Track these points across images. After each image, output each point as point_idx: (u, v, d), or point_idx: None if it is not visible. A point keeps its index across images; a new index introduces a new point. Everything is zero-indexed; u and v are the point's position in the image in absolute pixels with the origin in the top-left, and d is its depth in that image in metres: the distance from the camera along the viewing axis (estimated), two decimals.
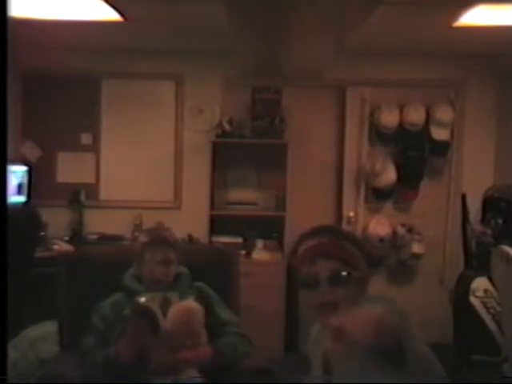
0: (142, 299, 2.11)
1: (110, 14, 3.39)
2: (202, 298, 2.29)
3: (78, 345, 2.20)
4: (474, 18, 3.30)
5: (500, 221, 3.43)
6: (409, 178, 4.52)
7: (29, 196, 4.28)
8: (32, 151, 4.57)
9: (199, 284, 2.41)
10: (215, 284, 2.44)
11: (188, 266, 2.45)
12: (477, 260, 3.64)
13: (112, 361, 2.04)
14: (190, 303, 2.15)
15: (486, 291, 3.30)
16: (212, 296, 2.37)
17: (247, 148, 4.51)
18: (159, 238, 2.35)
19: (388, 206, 4.65)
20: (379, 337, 1.12)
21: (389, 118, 4.44)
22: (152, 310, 2.02)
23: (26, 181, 4.29)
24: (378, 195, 4.60)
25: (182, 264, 2.42)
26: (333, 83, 4.64)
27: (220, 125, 4.46)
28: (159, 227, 2.51)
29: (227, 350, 2.18)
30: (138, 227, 4.39)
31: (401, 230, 4.46)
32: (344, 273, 1.45)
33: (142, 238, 2.39)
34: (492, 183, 4.17)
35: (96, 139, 4.65)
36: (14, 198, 4.09)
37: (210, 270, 2.56)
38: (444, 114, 4.46)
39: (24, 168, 4.31)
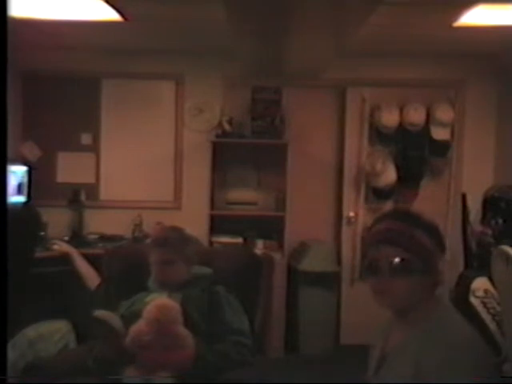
0: (101, 311, 2.04)
1: (110, 14, 3.39)
2: (212, 302, 2.24)
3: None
4: (474, 18, 3.30)
5: (500, 221, 3.43)
6: (409, 178, 4.51)
7: (29, 196, 4.28)
8: (32, 151, 4.56)
9: (217, 287, 2.32)
10: (244, 288, 2.38)
11: (217, 268, 2.41)
12: (477, 260, 3.63)
13: (97, 356, 2.07)
14: (164, 300, 2.07)
15: (486, 291, 3.29)
16: (224, 302, 2.27)
17: (247, 148, 4.51)
18: (156, 239, 2.34)
19: (388, 206, 4.63)
20: None
21: (389, 118, 4.44)
22: (109, 322, 1.97)
23: (25, 181, 4.28)
24: (378, 195, 4.59)
25: (205, 265, 2.40)
26: (333, 83, 4.63)
27: (220, 125, 4.46)
28: (163, 226, 2.50)
29: (214, 356, 2.07)
30: (137, 227, 4.40)
31: None
32: (398, 259, 1.36)
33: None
34: (492, 183, 4.17)
35: (96, 139, 4.64)
36: (14, 197, 4.08)
37: (239, 274, 2.51)
38: (444, 113, 4.46)
39: (24, 168, 4.30)
